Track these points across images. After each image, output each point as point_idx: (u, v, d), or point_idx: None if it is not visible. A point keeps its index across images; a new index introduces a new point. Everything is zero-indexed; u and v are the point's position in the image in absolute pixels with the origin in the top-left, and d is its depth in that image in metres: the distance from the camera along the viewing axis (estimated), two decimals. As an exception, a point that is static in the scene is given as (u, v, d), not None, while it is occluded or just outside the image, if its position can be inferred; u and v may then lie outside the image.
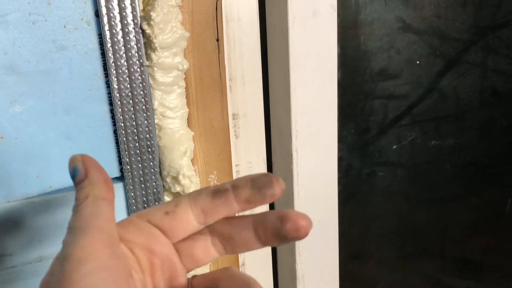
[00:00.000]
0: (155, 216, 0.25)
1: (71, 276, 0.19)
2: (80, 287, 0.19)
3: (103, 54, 0.35)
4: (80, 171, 0.23)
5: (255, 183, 0.24)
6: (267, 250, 0.52)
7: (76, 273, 0.19)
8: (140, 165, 0.38)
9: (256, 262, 0.51)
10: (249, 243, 0.25)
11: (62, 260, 0.20)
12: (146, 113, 0.37)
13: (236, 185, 0.24)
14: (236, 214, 0.26)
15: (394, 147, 0.57)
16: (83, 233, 0.20)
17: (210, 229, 0.26)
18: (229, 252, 0.26)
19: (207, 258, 0.26)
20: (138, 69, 0.36)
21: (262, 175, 0.25)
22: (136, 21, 0.35)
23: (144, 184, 0.39)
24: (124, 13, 0.34)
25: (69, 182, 0.37)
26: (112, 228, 0.22)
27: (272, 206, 0.52)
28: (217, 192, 0.25)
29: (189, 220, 0.25)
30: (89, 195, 0.22)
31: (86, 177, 0.23)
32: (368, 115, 0.54)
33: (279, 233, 0.23)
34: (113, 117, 0.37)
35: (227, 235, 0.25)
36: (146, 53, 0.36)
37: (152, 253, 0.24)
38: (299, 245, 0.49)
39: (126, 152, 0.37)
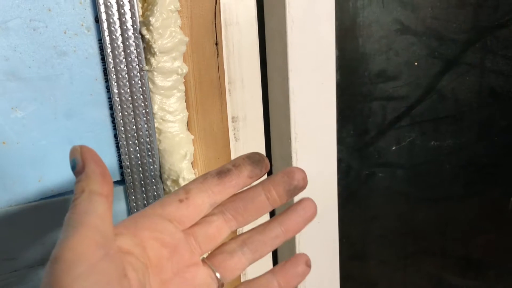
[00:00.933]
0: (170, 206, 0.25)
1: (61, 279, 0.18)
2: None
3: (103, 59, 0.36)
4: (78, 163, 0.22)
5: (251, 159, 0.28)
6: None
7: (66, 277, 0.18)
8: (140, 169, 0.38)
9: (257, 263, 0.52)
10: (261, 208, 0.27)
11: (53, 261, 0.19)
12: (146, 117, 0.37)
13: (236, 164, 0.27)
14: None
15: (394, 148, 0.57)
16: (75, 232, 0.20)
17: (220, 208, 0.27)
18: (241, 224, 0.27)
19: (221, 235, 0.27)
20: (138, 74, 0.36)
21: (253, 153, 0.28)
22: (135, 26, 0.35)
23: (144, 188, 0.39)
24: (124, 19, 0.35)
25: (70, 186, 0.37)
26: (106, 225, 0.21)
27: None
28: (222, 173, 0.27)
29: (202, 203, 0.26)
30: (84, 189, 0.21)
31: (84, 169, 0.22)
32: (367, 117, 0.54)
33: (290, 186, 0.28)
34: (113, 121, 0.37)
35: (241, 207, 0.27)
36: (145, 57, 0.36)
37: (163, 246, 0.24)
38: (300, 245, 0.49)
39: (127, 156, 0.38)
